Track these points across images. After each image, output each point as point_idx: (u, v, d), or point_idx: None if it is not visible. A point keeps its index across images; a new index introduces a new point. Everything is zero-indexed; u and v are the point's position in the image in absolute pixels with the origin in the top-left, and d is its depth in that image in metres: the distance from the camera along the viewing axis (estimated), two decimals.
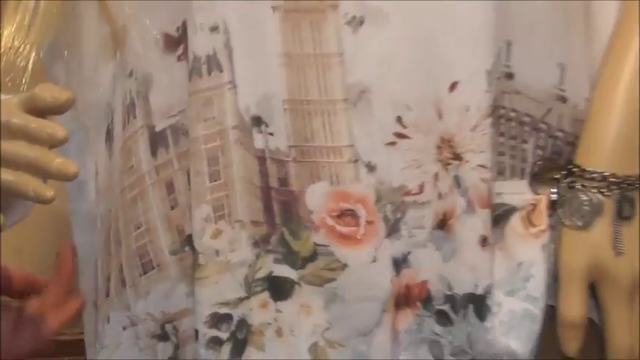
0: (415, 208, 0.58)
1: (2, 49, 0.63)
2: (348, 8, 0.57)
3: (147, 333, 0.64)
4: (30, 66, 0.63)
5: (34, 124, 0.55)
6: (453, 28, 0.61)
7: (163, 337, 0.63)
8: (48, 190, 0.56)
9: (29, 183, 0.56)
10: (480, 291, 0.58)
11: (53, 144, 0.56)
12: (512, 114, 0.65)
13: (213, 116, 0.62)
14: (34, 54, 0.62)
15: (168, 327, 0.63)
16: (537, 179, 0.65)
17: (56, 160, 0.55)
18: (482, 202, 0.58)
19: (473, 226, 0.59)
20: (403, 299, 0.59)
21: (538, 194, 0.62)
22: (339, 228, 0.58)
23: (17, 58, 0.63)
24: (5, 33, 0.63)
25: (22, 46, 0.63)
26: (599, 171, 0.62)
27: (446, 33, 0.60)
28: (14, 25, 0.63)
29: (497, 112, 0.62)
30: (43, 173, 0.56)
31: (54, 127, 0.56)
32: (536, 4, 0.66)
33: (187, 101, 0.60)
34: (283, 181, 0.62)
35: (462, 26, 0.61)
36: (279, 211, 0.62)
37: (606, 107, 0.62)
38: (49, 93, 0.55)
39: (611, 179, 0.61)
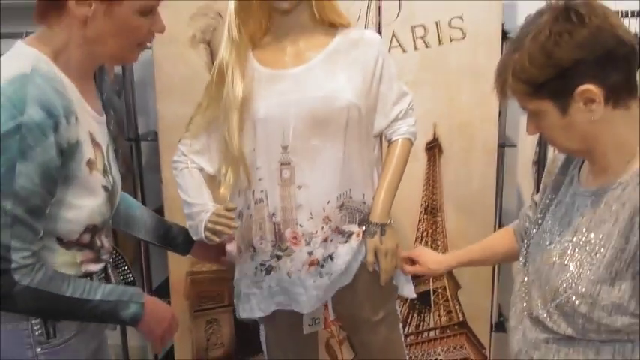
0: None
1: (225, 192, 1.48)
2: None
3: (255, 266, 1.53)
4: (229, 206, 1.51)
5: (228, 215, 1.44)
6: (328, 186, 1.40)
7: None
8: (229, 230, 1.44)
9: (225, 229, 1.42)
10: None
11: (231, 218, 1.46)
12: (349, 207, 1.44)
13: (261, 214, 1.43)
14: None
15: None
16: (361, 224, 1.48)
17: (232, 223, 1.43)
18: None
19: (339, 238, 1.49)
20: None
21: (360, 229, 1.50)
22: (292, 242, 1.45)
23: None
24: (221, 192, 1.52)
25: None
26: (374, 221, 1.47)
27: (328, 184, 1.41)
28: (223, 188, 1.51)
29: (344, 207, 1.44)
30: (229, 227, 1.43)
31: (231, 215, 1.42)
32: (358, 170, 1.45)
33: (254, 209, 1.48)
34: (278, 229, 1.41)
35: (331, 186, 1.40)
36: (278, 237, 1.43)
37: (375, 204, 1.49)
38: (231, 205, 1.47)
39: (378, 223, 1.46)
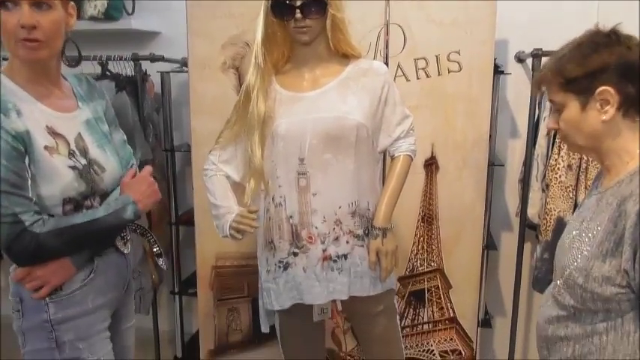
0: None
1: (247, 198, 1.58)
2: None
3: (275, 262, 1.59)
4: (249, 199, 1.58)
5: (251, 216, 1.52)
6: (339, 193, 1.51)
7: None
8: (251, 229, 1.50)
9: (247, 228, 1.52)
10: None
11: (253, 219, 1.53)
12: (359, 214, 1.55)
13: (280, 216, 1.51)
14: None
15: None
16: (365, 228, 1.57)
17: (254, 223, 1.52)
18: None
19: (356, 241, 1.54)
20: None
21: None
22: (308, 241, 1.54)
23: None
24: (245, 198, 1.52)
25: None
26: (377, 225, 1.55)
27: (338, 192, 1.51)
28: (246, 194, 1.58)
29: (356, 214, 1.55)
30: (251, 226, 1.50)
31: (253, 216, 1.52)
32: (364, 181, 1.52)
33: (274, 212, 1.56)
34: (295, 229, 1.51)
35: (341, 194, 1.51)
36: (295, 236, 1.52)
37: (378, 210, 1.56)
38: (253, 207, 1.54)
39: (380, 227, 1.55)
